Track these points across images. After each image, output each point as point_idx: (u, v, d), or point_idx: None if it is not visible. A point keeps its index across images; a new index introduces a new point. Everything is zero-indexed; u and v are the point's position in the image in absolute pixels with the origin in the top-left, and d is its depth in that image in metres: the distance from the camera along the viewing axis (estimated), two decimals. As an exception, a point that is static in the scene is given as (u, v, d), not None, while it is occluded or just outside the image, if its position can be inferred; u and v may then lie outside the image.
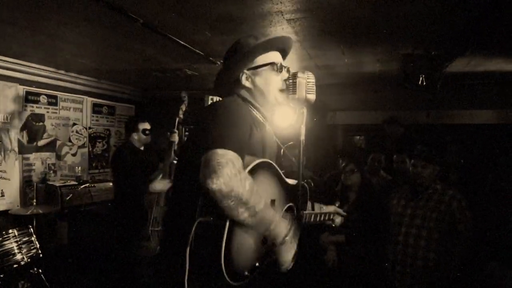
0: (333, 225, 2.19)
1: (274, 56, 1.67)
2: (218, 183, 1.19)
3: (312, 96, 1.55)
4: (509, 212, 3.84)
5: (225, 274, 1.30)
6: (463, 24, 2.80)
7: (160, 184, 3.32)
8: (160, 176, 3.38)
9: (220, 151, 1.25)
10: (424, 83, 4.24)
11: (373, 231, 3.24)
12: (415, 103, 5.50)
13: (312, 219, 1.93)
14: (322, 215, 2.06)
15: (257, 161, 1.39)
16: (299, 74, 1.55)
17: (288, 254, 1.48)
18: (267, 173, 1.50)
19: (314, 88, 1.56)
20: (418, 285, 2.83)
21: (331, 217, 2.16)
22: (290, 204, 1.67)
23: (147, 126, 3.92)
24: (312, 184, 1.92)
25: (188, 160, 1.44)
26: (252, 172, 1.37)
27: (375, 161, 4.39)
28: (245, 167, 1.33)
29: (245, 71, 1.62)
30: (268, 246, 1.48)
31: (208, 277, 1.36)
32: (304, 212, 1.76)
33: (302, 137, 1.56)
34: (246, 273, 1.43)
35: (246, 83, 1.62)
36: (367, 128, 6.04)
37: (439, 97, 5.26)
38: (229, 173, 1.21)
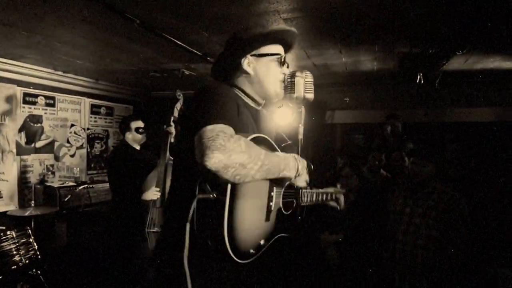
0: (338, 208, 2.16)
1: (279, 49, 1.68)
2: (215, 157, 1.19)
3: (310, 95, 1.55)
4: (508, 210, 3.84)
5: (229, 250, 1.29)
6: (460, 22, 2.81)
7: (151, 193, 3.25)
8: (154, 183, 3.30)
9: (209, 127, 1.25)
10: (422, 81, 4.26)
11: (372, 230, 3.25)
12: (413, 102, 5.51)
13: (314, 198, 1.92)
14: (324, 195, 2.06)
15: (253, 135, 1.38)
16: (298, 73, 1.55)
17: (303, 180, 1.58)
18: (265, 148, 1.48)
19: (313, 87, 1.56)
20: (417, 283, 2.83)
21: (333, 196, 2.13)
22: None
23: (140, 124, 3.80)
24: (312, 166, 1.92)
25: (182, 144, 1.46)
26: None
27: (375, 160, 4.40)
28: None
29: (248, 56, 1.61)
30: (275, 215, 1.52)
31: (211, 255, 1.36)
32: (305, 190, 1.74)
33: (301, 136, 1.57)
34: (252, 251, 1.43)
35: (247, 68, 1.61)
36: (366, 126, 6.04)
37: (437, 95, 5.27)
38: (222, 143, 1.20)
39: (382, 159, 4.44)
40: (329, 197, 2.11)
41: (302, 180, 1.58)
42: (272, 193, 1.52)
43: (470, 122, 5.33)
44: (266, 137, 1.51)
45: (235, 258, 1.32)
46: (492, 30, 2.94)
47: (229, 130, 1.27)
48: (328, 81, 5.28)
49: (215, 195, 1.29)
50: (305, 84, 1.54)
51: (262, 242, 1.49)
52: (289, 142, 2.51)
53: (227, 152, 1.20)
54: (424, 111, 5.50)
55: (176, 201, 1.51)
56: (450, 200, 2.83)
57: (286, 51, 1.73)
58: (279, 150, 1.61)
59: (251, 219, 1.42)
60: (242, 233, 1.36)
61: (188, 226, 1.29)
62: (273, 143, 1.57)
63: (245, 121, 1.50)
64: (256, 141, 1.41)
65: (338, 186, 2.22)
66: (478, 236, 2.95)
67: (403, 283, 2.89)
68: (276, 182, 1.54)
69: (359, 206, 3.43)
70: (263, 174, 1.33)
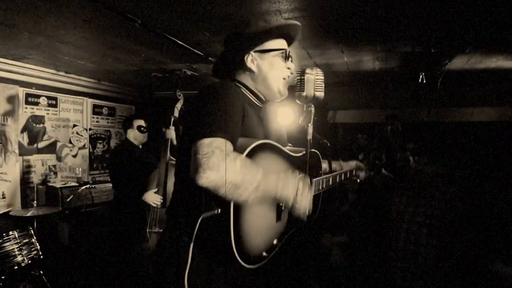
0: (358, 181, 2.09)
1: (282, 43, 1.64)
2: (206, 176, 1.16)
3: (320, 94, 1.48)
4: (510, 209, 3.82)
5: (239, 260, 1.27)
6: (462, 21, 2.79)
7: (150, 194, 3.25)
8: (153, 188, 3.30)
9: (206, 141, 1.22)
10: (424, 81, 4.24)
11: (375, 230, 3.24)
12: (415, 101, 5.49)
13: (331, 183, 1.83)
14: (342, 175, 1.95)
15: (253, 144, 1.33)
16: (308, 71, 1.48)
17: (304, 202, 1.42)
18: (269, 152, 1.46)
19: (323, 85, 1.49)
20: (419, 282, 2.82)
21: (354, 173, 2.06)
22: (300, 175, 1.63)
23: (142, 123, 3.82)
24: (329, 144, 1.86)
25: (184, 149, 1.39)
26: (251, 154, 1.32)
27: (375, 159, 4.38)
28: (240, 149, 1.29)
29: (251, 52, 1.57)
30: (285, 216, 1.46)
31: (222, 265, 1.35)
32: (316, 179, 1.67)
33: (310, 137, 1.49)
34: (264, 253, 1.41)
35: (251, 65, 1.57)
36: (368, 126, 6.03)
37: (440, 95, 5.25)
38: (216, 161, 1.17)
39: (382, 158, 4.42)
40: (348, 176, 2.03)
41: (300, 204, 1.42)
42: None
43: (473, 122, 5.31)
44: (271, 142, 1.46)
45: (246, 266, 1.31)
46: (494, 29, 2.92)
47: (227, 146, 1.23)
48: (330, 80, 5.27)
49: (219, 210, 1.26)
50: (315, 82, 1.47)
51: (275, 242, 1.47)
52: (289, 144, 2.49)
53: (220, 172, 1.16)
54: (426, 110, 5.49)
55: (180, 212, 1.47)
56: (453, 199, 2.83)
57: (289, 44, 1.69)
58: (287, 151, 1.58)
59: (261, 223, 1.40)
60: (252, 240, 1.34)
61: (192, 245, 1.28)
62: (280, 146, 1.52)
63: (251, 124, 1.46)
64: (261, 148, 1.37)
65: (360, 156, 2.16)
66: (480, 235, 2.93)
67: (405, 282, 2.88)
68: None
69: (361, 206, 3.43)
70: (257, 195, 1.27)
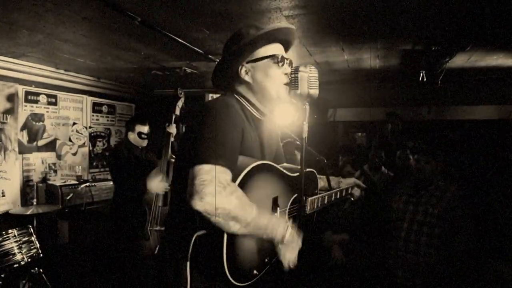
0: (352, 199, 2.11)
1: (275, 48, 1.58)
2: (202, 204, 1.18)
3: (315, 91, 1.45)
4: (511, 208, 3.82)
5: (231, 279, 1.28)
6: (463, 19, 2.78)
7: (155, 183, 3.21)
8: (159, 175, 3.28)
9: (205, 167, 1.22)
10: (425, 79, 4.24)
11: (375, 228, 3.24)
12: (416, 99, 5.49)
13: (326, 201, 1.82)
14: (338, 193, 1.96)
15: (249, 167, 1.34)
16: (301, 68, 1.45)
17: (289, 253, 1.43)
18: (265, 173, 1.46)
19: (317, 82, 1.47)
20: (419, 280, 2.82)
21: (349, 191, 2.07)
22: (296, 195, 1.62)
23: (144, 129, 3.78)
24: (326, 161, 1.86)
25: (183, 169, 1.37)
26: (248, 176, 1.33)
27: (375, 157, 4.38)
28: (239, 170, 1.31)
29: (244, 64, 1.54)
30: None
31: (212, 281, 1.35)
32: (311, 198, 1.66)
33: (305, 135, 1.46)
34: (255, 271, 1.41)
35: (245, 77, 1.55)
36: (368, 124, 6.02)
37: (440, 93, 5.25)
38: (213, 192, 1.18)
39: (382, 156, 4.43)
40: (343, 194, 2.03)
41: (286, 250, 1.42)
42: (275, 214, 1.49)
43: (473, 120, 5.31)
44: (270, 163, 1.46)
45: (236, 284, 1.32)
46: (495, 27, 2.91)
47: (225, 176, 1.24)
48: (330, 79, 5.26)
49: (214, 228, 1.26)
50: (309, 79, 1.44)
51: (266, 260, 1.47)
52: (289, 139, 2.47)
53: (216, 203, 1.18)
54: (426, 108, 5.48)
55: (176, 229, 1.47)
56: (453, 197, 2.82)
57: (286, 48, 1.65)
58: (283, 170, 1.57)
59: (254, 243, 1.40)
60: (245, 258, 1.35)
61: (188, 264, 1.29)
62: (276, 166, 1.52)
63: (249, 144, 1.45)
64: (259, 169, 1.38)
65: (357, 173, 2.16)
66: (480, 234, 2.93)
67: (406, 280, 2.88)
68: (279, 202, 1.51)
69: (361, 204, 3.42)
70: (246, 232, 1.29)
